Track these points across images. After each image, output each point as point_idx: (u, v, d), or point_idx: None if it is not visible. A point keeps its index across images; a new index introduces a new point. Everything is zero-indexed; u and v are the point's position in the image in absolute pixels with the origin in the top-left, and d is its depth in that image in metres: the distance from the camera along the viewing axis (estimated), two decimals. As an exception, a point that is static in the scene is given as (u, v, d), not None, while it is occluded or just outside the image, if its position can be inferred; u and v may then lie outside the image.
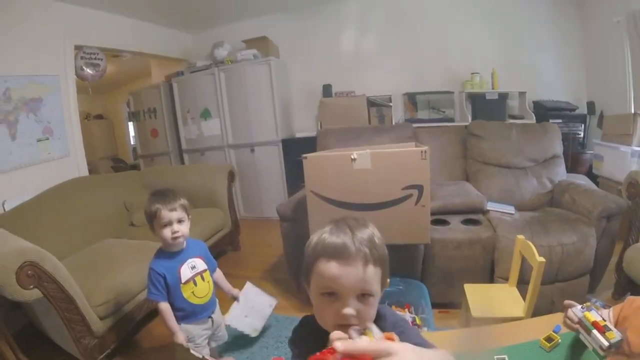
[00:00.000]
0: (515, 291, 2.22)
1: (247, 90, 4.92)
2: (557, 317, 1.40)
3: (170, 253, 1.95)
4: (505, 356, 1.24)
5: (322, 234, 0.90)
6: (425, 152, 2.20)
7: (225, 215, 3.86)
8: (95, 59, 3.99)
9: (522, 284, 2.12)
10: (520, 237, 2.14)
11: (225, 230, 3.84)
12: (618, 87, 4.41)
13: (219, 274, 2.23)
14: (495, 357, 1.24)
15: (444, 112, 4.63)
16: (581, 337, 1.14)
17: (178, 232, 1.88)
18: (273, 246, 3.85)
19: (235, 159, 5.19)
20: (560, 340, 1.29)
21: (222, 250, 3.94)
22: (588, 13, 4.83)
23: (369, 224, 0.93)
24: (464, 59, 4.75)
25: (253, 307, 2.39)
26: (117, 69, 6.39)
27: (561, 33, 4.96)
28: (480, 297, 2.17)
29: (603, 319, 1.13)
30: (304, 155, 2.34)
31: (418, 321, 2.25)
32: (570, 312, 1.22)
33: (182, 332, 1.92)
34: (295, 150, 4.58)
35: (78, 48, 3.88)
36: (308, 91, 5.07)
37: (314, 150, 3.18)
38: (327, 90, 4.81)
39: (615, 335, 1.06)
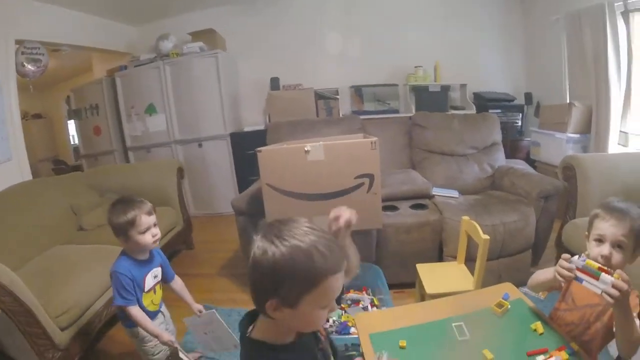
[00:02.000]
0: (464, 268, 2.45)
1: (193, 84, 4.89)
2: (505, 287, 1.62)
3: (137, 260, 1.93)
4: (462, 323, 1.40)
5: (316, 247, 0.89)
6: (375, 142, 2.39)
7: (176, 213, 3.79)
8: (36, 54, 3.82)
9: (470, 261, 2.35)
10: (465, 217, 2.36)
11: (178, 229, 3.75)
12: (554, 80, 4.86)
13: (179, 283, 2.20)
14: (452, 324, 1.40)
15: (389, 104, 4.86)
16: (585, 284, 1.20)
17: (158, 234, 1.91)
18: (228, 242, 3.91)
19: (183, 155, 5.10)
20: (509, 306, 1.49)
21: (176, 249, 3.89)
22: (529, 11, 5.31)
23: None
24: (408, 53, 5.00)
25: (214, 333, 2.15)
26: (57, 64, 6.09)
27: (503, 29, 5.40)
28: (433, 275, 2.39)
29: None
30: (259, 148, 2.44)
31: (376, 302, 2.42)
32: (564, 262, 1.30)
33: (166, 333, 1.93)
34: (244, 144, 4.67)
35: (19, 42, 3.72)
36: (256, 84, 5.10)
37: (263, 143, 3.23)
38: (275, 83, 4.88)
39: (618, 275, 1.14)
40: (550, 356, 1.23)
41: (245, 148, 4.51)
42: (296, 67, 5.04)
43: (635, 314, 1.17)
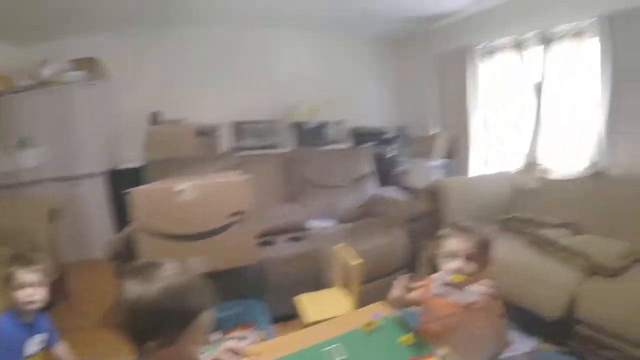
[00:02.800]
0: (342, 293, 2.55)
1: (71, 116, 4.46)
2: (376, 306, 1.72)
3: (20, 321, 1.79)
4: (336, 345, 1.46)
5: (187, 286, 0.95)
6: (246, 180, 2.49)
7: (48, 261, 3.44)
8: None
9: (349, 285, 2.42)
10: (339, 245, 2.50)
11: (50, 279, 3.43)
12: (422, 113, 5.45)
13: (62, 348, 2.07)
14: (326, 348, 1.45)
15: (270, 139, 4.92)
16: (453, 297, 1.30)
17: (34, 296, 1.78)
18: (105, 290, 3.64)
19: (56, 194, 4.47)
20: (379, 323, 1.60)
21: (51, 302, 3.53)
22: (402, 53, 5.92)
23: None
24: (289, 90, 5.19)
25: None
26: None
27: (377, 69, 5.96)
28: (313, 303, 2.48)
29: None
30: (128, 189, 2.38)
31: (261, 336, 2.38)
32: (429, 285, 1.47)
33: None
34: (122, 182, 4.20)
35: None
36: (137, 118, 4.72)
37: (142, 181, 3.18)
38: (154, 117, 4.67)
39: (482, 285, 1.27)
40: None
41: (124, 186, 4.06)
42: (178, 101, 4.88)
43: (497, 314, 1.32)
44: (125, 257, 2.72)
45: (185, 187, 2.38)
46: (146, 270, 0.96)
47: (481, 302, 1.20)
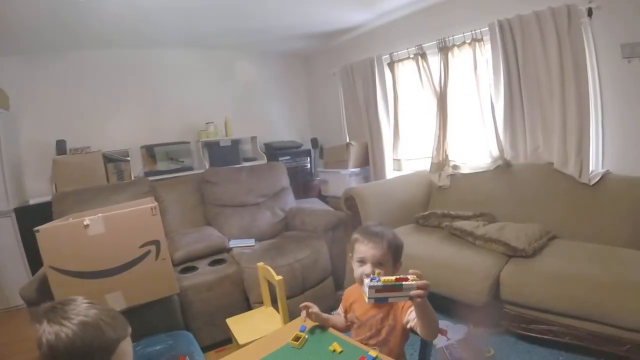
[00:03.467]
0: (272, 310, 2.51)
1: None
2: (300, 320, 1.65)
3: None
4: None
5: (101, 319, 0.94)
6: (155, 208, 2.35)
7: None
8: None
9: (276, 301, 2.34)
10: (260, 264, 2.44)
11: None
12: (334, 124, 5.54)
13: None
14: None
15: (182, 161, 4.76)
16: (391, 300, 1.24)
17: None
18: (30, 339, 3.34)
19: None
20: (307, 336, 1.55)
21: None
22: (310, 67, 6.01)
23: None
24: (199, 110, 5.07)
25: None
26: None
27: (287, 84, 5.97)
28: (244, 325, 2.41)
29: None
30: (36, 228, 2.22)
31: None
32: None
33: None
34: (32, 219, 3.88)
35: None
36: (41, 148, 4.37)
37: (53, 216, 3.01)
38: (60, 146, 4.31)
39: (413, 277, 1.21)
40: None
41: (34, 224, 3.77)
42: (84, 128, 4.58)
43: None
44: (42, 302, 2.50)
45: (93, 220, 2.24)
46: (57, 310, 0.94)
47: (422, 294, 1.19)
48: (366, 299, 1.24)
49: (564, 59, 2.85)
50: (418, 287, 1.18)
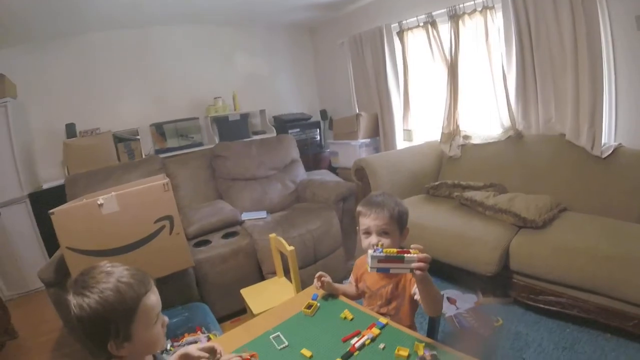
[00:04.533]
0: (284, 280, 2.59)
1: None
2: (312, 289, 1.72)
3: None
4: (279, 333, 1.45)
5: (119, 281, 0.98)
6: (167, 184, 2.40)
7: None
8: None
9: (289, 272, 2.41)
10: (272, 235, 2.50)
11: None
12: (343, 95, 5.48)
13: None
14: (270, 337, 1.44)
15: (192, 137, 4.80)
16: (392, 271, 1.26)
17: None
18: (51, 320, 3.37)
19: None
20: (319, 304, 1.61)
21: None
22: (318, 37, 5.91)
23: None
24: (206, 86, 5.05)
25: None
26: None
27: (295, 56, 5.89)
28: (258, 295, 2.49)
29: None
30: (51, 210, 2.27)
31: (212, 337, 2.38)
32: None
33: None
34: (46, 204, 3.97)
35: None
36: (51, 133, 4.44)
37: (67, 199, 3.07)
38: (70, 129, 4.37)
39: (415, 251, 1.24)
40: (363, 335, 1.34)
41: (49, 208, 3.82)
42: (92, 110, 4.61)
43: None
44: (60, 283, 2.57)
45: (107, 199, 2.29)
46: (79, 282, 0.99)
47: (422, 267, 1.21)
48: (369, 269, 1.28)
49: (578, 30, 2.78)
50: (419, 260, 1.20)
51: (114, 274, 1.00)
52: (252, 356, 1.29)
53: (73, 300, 0.95)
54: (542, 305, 2.38)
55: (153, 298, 1.04)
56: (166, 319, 1.09)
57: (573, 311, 2.24)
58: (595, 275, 2.09)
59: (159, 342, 1.07)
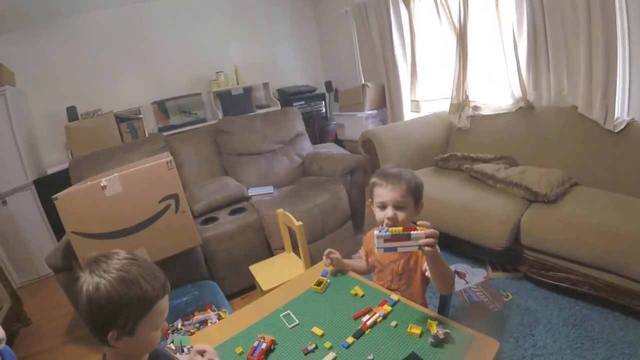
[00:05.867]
0: (293, 255, 2.61)
1: None
2: (321, 265, 1.75)
3: None
4: (289, 310, 1.47)
5: (142, 275, 0.96)
6: (170, 162, 2.39)
7: None
8: None
9: (297, 247, 2.43)
10: (280, 210, 2.50)
11: (6, 308, 3.19)
12: (348, 66, 5.42)
13: None
14: (280, 315, 1.46)
15: (195, 114, 4.78)
16: (400, 249, 1.26)
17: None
18: (62, 305, 3.39)
19: None
20: (329, 281, 1.63)
21: (12, 331, 3.29)
22: (320, 7, 5.81)
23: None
24: (207, 60, 5.02)
25: None
26: None
27: (297, 27, 5.81)
28: (267, 271, 2.51)
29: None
30: (54, 196, 2.27)
31: (223, 314, 2.40)
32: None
33: None
34: (52, 189, 3.90)
35: None
36: (52, 118, 4.47)
37: (71, 184, 3.05)
38: (72, 113, 4.37)
39: (422, 227, 1.25)
40: (375, 313, 1.36)
41: (55, 193, 3.81)
42: (92, 91, 4.60)
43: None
44: (69, 267, 2.59)
45: (110, 180, 2.28)
46: (100, 262, 0.97)
47: (431, 242, 1.21)
48: (375, 249, 1.29)
49: (592, -2, 2.70)
50: (427, 236, 1.20)
51: (137, 267, 0.99)
52: (272, 342, 1.30)
53: (89, 278, 0.94)
54: (552, 282, 2.38)
55: (166, 303, 1.04)
56: (166, 324, 1.08)
57: (583, 288, 2.24)
58: (607, 252, 2.08)
59: (153, 345, 1.07)
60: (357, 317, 1.37)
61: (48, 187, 3.83)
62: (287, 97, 5.20)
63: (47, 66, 4.44)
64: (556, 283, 2.36)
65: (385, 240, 1.25)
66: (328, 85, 5.75)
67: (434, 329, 1.22)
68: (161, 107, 4.72)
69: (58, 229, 3.87)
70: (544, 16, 3.05)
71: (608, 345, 1.97)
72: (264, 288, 2.27)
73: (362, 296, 1.50)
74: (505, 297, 2.45)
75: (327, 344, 1.26)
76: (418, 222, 1.27)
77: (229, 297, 2.70)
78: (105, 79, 4.65)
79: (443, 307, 1.50)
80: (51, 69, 4.46)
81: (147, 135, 4.39)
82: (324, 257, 1.67)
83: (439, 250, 1.29)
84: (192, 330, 2.18)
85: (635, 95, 2.80)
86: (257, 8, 5.42)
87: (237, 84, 4.97)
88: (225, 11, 5.19)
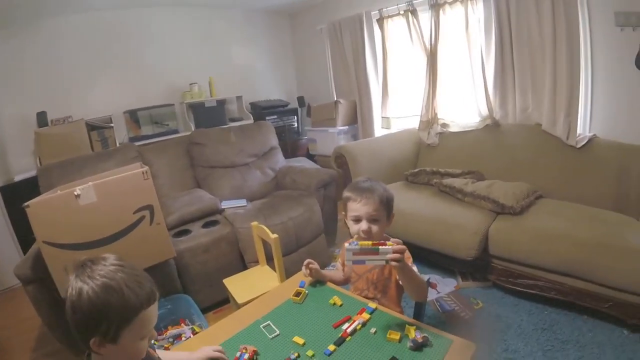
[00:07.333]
0: (267, 269, 2.60)
1: None
2: (299, 276, 1.74)
3: None
4: (269, 321, 1.46)
5: (126, 284, 0.95)
6: (146, 172, 2.35)
7: None
8: None
9: (271, 260, 2.42)
10: (254, 223, 2.50)
11: None
12: (321, 82, 5.54)
13: None
14: (260, 326, 1.45)
15: (167, 125, 4.73)
16: (368, 263, 1.32)
17: None
18: (29, 318, 3.20)
19: None
20: (307, 292, 1.63)
21: None
22: (297, 24, 5.90)
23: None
24: (181, 71, 4.98)
25: None
26: None
27: (273, 42, 5.86)
28: (241, 284, 2.48)
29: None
30: (25, 203, 2.14)
31: (197, 329, 2.35)
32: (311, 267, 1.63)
33: None
34: (19, 197, 3.78)
35: None
36: (22, 122, 4.24)
37: (41, 190, 2.98)
38: (42, 118, 4.17)
39: (392, 242, 1.30)
40: (354, 321, 1.37)
41: (22, 201, 3.57)
42: (63, 97, 4.43)
43: (410, 264, 1.38)
44: (38, 279, 2.45)
45: (84, 189, 2.21)
46: (85, 268, 0.97)
47: (397, 257, 1.25)
48: (346, 261, 1.33)
49: (557, 23, 2.86)
50: (394, 252, 1.24)
51: (123, 275, 0.97)
52: (254, 352, 1.30)
53: (74, 283, 0.93)
54: (520, 289, 2.47)
55: (153, 312, 1.02)
56: (155, 334, 1.06)
57: (550, 294, 2.34)
58: (572, 259, 2.19)
59: (140, 355, 1.05)
60: (337, 326, 1.38)
61: (15, 194, 3.85)
62: (260, 110, 5.21)
63: (18, 68, 4.25)
64: (525, 290, 2.46)
65: (355, 254, 1.30)
66: (301, 100, 5.82)
67: (412, 333, 1.25)
68: (133, 116, 4.63)
69: (24, 239, 3.82)
70: (511, 38, 3.21)
71: (578, 347, 2.06)
72: (239, 301, 2.25)
73: (341, 305, 1.51)
74: (476, 305, 2.52)
75: (310, 352, 1.27)
76: (391, 239, 1.31)
77: (203, 310, 2.65)
78: (77, 84, 4.50)
79: (418, 314, 1.55)
80: (22, 71, 4.27)
81: (117, 144, 4.27)
82: (303, 268, 1.68)
83: (411, 262, 1.36)
84: (165, 345, 2.13)
85: (597, 112, 2.98)
86: (235, 21, 5.44)
87: (211, 96, 4.95)
88: (202, 23, 5.18)
